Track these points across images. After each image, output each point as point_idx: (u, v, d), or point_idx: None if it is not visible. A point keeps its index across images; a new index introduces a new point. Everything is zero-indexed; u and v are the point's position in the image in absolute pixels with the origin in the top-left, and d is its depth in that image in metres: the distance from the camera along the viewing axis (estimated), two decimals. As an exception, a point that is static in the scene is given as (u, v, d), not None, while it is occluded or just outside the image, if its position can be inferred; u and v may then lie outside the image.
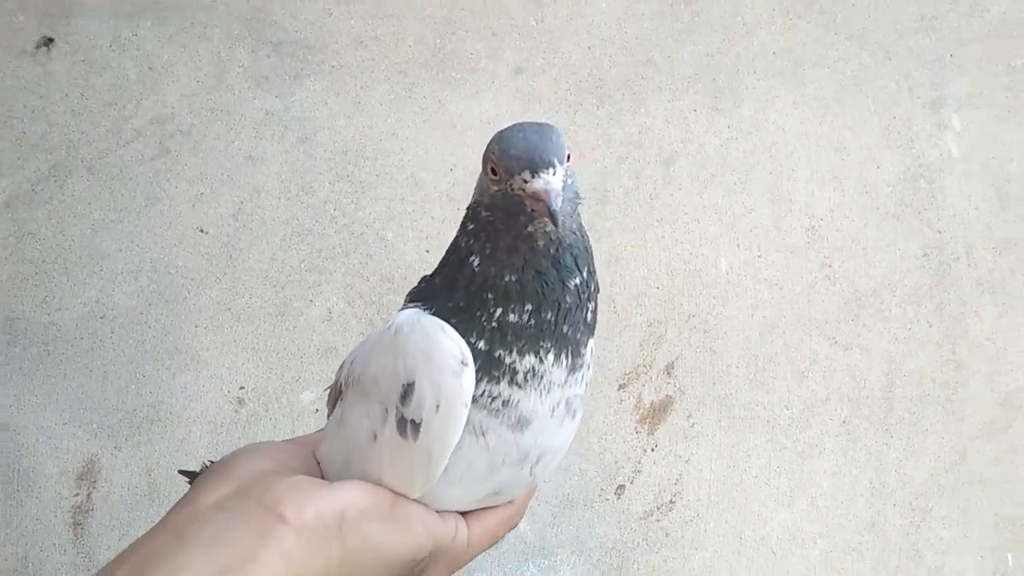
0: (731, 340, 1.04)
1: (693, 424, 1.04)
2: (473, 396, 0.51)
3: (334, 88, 1.00)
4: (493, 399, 0.52)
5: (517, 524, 0.61)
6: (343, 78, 1.00)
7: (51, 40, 0.96)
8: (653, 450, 1.03)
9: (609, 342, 1.02)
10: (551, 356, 0.52)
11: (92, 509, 0.96)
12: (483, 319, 0.52)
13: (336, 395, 0.60)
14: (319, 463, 0.58)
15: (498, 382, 0.51)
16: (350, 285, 0.99)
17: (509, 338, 0.51)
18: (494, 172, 0.51)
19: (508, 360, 0.51)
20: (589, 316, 0.54)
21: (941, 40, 1.08)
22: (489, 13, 1.02)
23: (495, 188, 0.52)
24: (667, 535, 1.03)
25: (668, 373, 1.03)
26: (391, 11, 1.01)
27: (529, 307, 0.51)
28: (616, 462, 1.03)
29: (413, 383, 0.50)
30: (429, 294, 0.55)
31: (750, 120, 1.05)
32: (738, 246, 1.04)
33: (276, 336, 0.98)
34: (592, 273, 0.55)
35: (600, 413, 1.02)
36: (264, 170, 0.99)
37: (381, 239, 1.00)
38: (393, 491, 0.53)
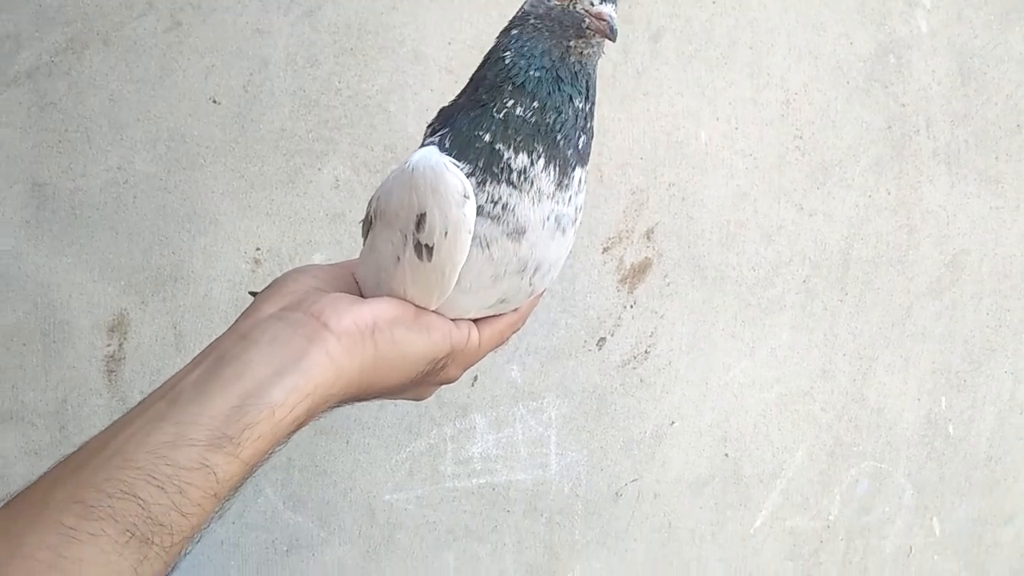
0: (707, 207, 1.12)
1: (669, 283, 1.13)
2: (479, 206, 0.60)
3: (336, -39, 1.03)
4: (495, 203, 0.60)
5: (520, 328, 0.72)
6: (344, -49, 1.03)
7: (59, -89, 0.98)
8: (632, 307, 1.13)
9: (595, 208, 1.10)
10: (541, 161, 0.60)
11: (124, 358, 1.05)
12: (494, 109, 0.60)
13: (368, 225, 0.69)
14: (357, 283, 0.68)
15: (498, 182, 0.60)
16: (355, 154, 1.05)
17: (510, 131, 0.60)
18: None
19: (506, 155, 0.60)
20: (581, 143, 0.62)
21: (919, -82, 1.12)
22: None
23: (556, 3, 0.61)
24: (641, 381, 1.14)
25: (648, 237, 1.12)
26: None
27: (535, 104, 0.60)
28: (598, 317, 1.12)
29: (425, 213, 0.59)
30: (449, 113, 0.63)
31: (734, -4, 1.09)
32: (717, 119, 1.11)
33: (288, 202, 1.05)
34: (592, 110, 0.63)
35: (585, 273, 1.11)
36: (272, 43, 1.02)
37: (384, 110, 1.05)
38: (416, 305, 0.63)
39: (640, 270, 1.12)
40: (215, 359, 0.55)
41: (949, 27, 1.13)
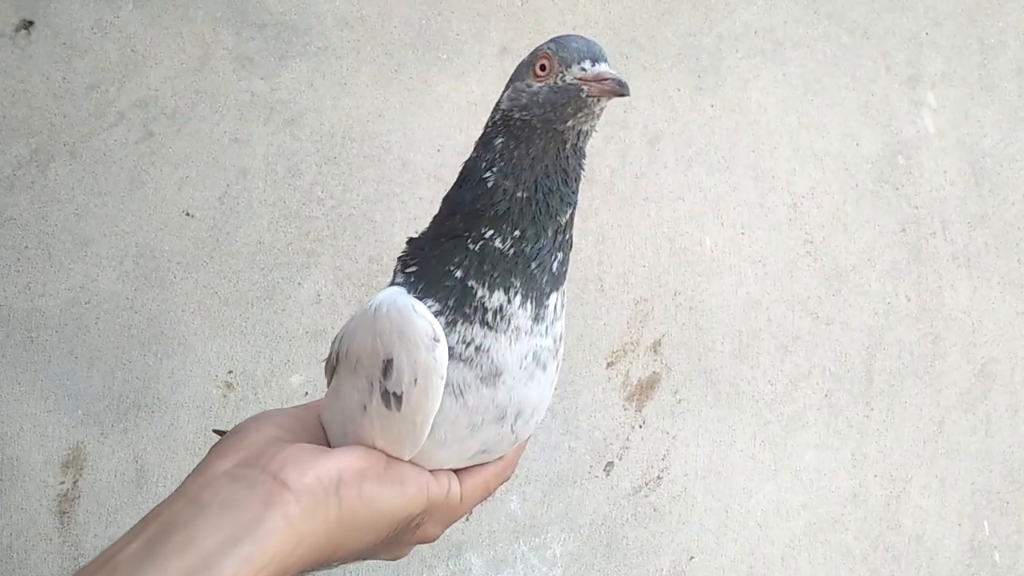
0: (716, 317, 1.05)
1: (680, 400, 1.05)
2: (449, 347, 0.54)
3: (320, 70, 0.99)
4: (467, 344, 0.54)
5: (508, 478, 0.65)
6: (329, 60, 0.99)
7: (31, 23, 0.95)
8: (641, 427, 1.04)
9: (597, 320, 1.02)
10: (518, 298, 0.54)
11: (78, 497, 0.95)
12: (470, 241, 0.54)
13: (332, 367, 0.63)
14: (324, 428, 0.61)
15: (471, 323, 0.54)
16: (339, 267, 0.99)
17: (486, 267, 0.54)
18: (543, 68, 0.54)
19: (480, 294, 0.54)
20: (556, 265, 0.56)
21: (916, 19, 1.10)
22: (474, -7, 1.02)
23: (540, 84, 0.54)
24: (655, 510, 1.03)
25: (655, 350, 1.04)
26: (375, -9, 1.01)
27: (516, 233, 0.54)
28: (605, 439, 1.03)
29: (391, 359, 0.54)
30: (420, 244, 0.58)
31: (733, 99, 1.06)
32: (722, 224, 1.05)
33: (264, 319, 0.97)
34: (573, 216, 0.57)
35: (588, 391, 1.03)
36: (250, 152, 0.98)
37: (369, 220, 0.99)
38: (387, 455, 0.56)
39: (648, 386, 1.04)
40: (159, 527, 0.49)
41: (957, 127, 1.10)
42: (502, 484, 0.65)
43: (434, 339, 0.53)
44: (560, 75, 0.54)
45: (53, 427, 0.94)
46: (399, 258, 0.59)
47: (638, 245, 1.04)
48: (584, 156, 0.57)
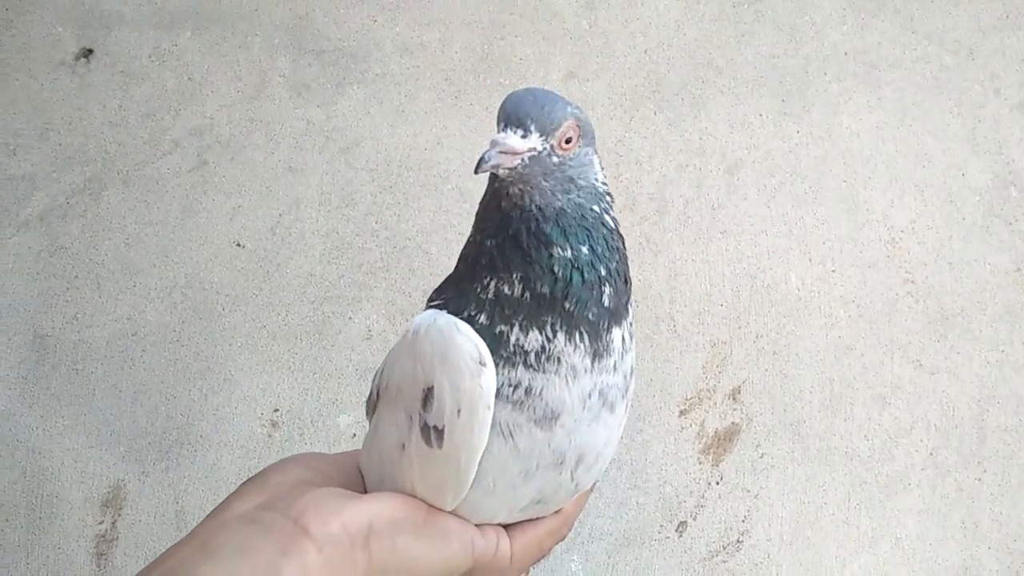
0: (804, 363, 0.97)
1: (762, 455, 0.96)
2: (496, 388, 0.48)
3: (377, 97, 0.97)
4: (514, 388, 0.48)
5: (565, 536, 0.57)
6: (387, 86, 0.97)
7: (90, 51, 0.95)
8: (718, 483, 0.96)
9: (668, 363, 0.95)
10: (561, 335, 0.48)
11: (117, 538, 0.92)
12: (479, 291, 0.49)
13: (372, 404, 0.57)
14: (362, 476, 0.56)
15: (513, 365, 0.48)
16: (391, 301, 0.94)
17: (507, 311, 0.48)
18: None
19: (513, 337, 0.48)
20: (607, 298, 0.49)
21: (1028, 38, 1.01)
22: (539, 17, 0.99)
23: None
24: None
25: (734, 398, 0.96)
26: (437, 16, 0.98)
27: (518, 275, 0.48)
28: (677, 496, 0.95)
29: (432, 387, 0.48)
30: (445, 282, 0.53)
31: (821, 125, 0.98)
32: (810, 260, 0.97)
33: (313, 355, 0.93)
34: (600, 252, 0.49)
35: (659, 442, 0.95)
36: (304, 182, 0.95)
37: (424, 253, 0.95)
38: (427, 503, 0.50)
39: (726, 438, 0.95)
40: (164, 573, 0.45)
41: (1078, 155, 0.99)
42: (558, 543, 0.57)
43: (480, 363, 0.47)
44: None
45: (95, 464, 0.92)
46: (428, 300, 0.55)
47: (715, 282, 0.96)
48: (592, 217, 0.50)
